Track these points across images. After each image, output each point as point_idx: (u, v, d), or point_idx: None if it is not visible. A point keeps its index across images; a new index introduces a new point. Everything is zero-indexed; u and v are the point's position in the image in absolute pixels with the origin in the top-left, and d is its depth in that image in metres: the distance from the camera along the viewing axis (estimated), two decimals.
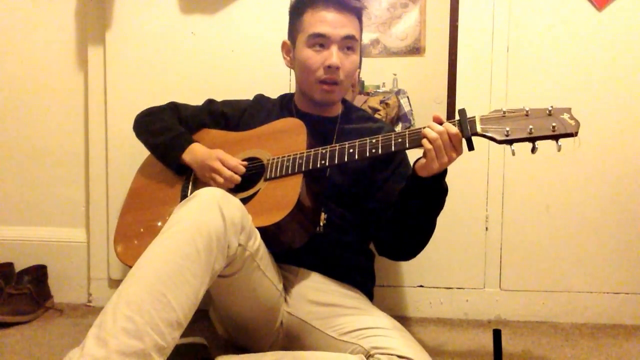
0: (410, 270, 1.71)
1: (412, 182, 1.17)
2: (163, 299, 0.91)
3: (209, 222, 1.00)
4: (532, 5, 1.62)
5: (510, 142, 1.05)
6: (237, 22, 1.69)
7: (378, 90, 1.67)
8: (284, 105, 1.45)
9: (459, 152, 1.10)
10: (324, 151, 1.21)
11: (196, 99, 1.54)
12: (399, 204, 1.22)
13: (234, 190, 1.27)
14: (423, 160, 1.12)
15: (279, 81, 1.65)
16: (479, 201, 1.67)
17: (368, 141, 1.18)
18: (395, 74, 1.67)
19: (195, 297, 0.96)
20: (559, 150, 1.02)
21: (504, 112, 1.08)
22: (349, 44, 1.30)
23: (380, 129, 1.38)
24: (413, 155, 1.22)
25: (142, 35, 1.71)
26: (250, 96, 1.52)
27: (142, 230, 1.33)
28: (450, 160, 1.10)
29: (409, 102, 1.66)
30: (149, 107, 1.51)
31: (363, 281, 1.38)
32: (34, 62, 1.79)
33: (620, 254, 1.65)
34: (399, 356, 1.06)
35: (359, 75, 1.63)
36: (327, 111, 1.40)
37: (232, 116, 1.46)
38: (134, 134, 1.49)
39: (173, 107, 1.51)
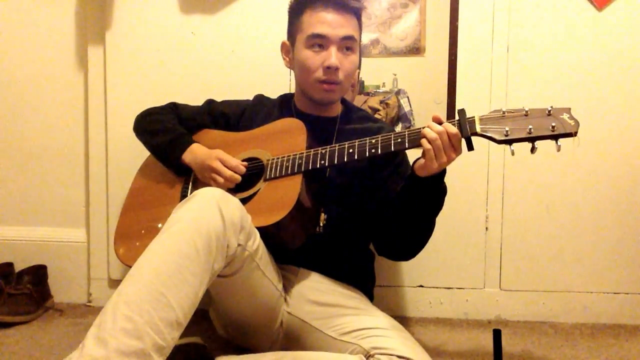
0: (410, 270, 1.71)
1: (411, 182, 1.17)
2: (162, 298, 0.91)
3: (208, 222, 1.00)
4: (532, 5, 1.62)
5: (509, 142, 1.05)
6: (237, 22, 1.69)
7: (378, 90, 1.67)
8: (284, 106, 1.45)
9: (458, 152, 1.10)
10: (323, 151, 1.21)
11: (196, 99, 1.54)
12: (398, 204, 1.22)
13: (234, 190, 1.27)
14: (422, 160, 1.12)
15: (279, 81, 1.65)
16: (479, 201, 1.67)
17: (367, 141, 1.18)
18: (395, 74, 1.67)
19: (194, 297, 0.96)
20: (558, 150, 1.02)
21: (504, 112, 1.08)
22: (348, 44, 1.30)
23: (380, 129, 1.38)
24: (413, 155, 1.22)
25: (142, 35, 1.71)
26: (250, 96, 1.52)
27: (142, 231, 1.33)
28: (450, 161, 1.10)
29: (409, 102, 1.66)
30: (149, 107, 1.51)
31: (363, 281, 1.38)
32: (34, 62, 1.79)
33: (620, 254, 1.65)
34: (398, 356, 1.06)
35: (358, 75, 1.63)
36: (327, 111, 1.40)
37: (232, 116, 1.46)
38: (134, 134, 1.49)
39: (173, 108, 1.51)
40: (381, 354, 1.07)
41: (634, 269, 1.65)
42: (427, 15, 1.65)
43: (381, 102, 1.66)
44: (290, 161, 1.24)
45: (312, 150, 1.23)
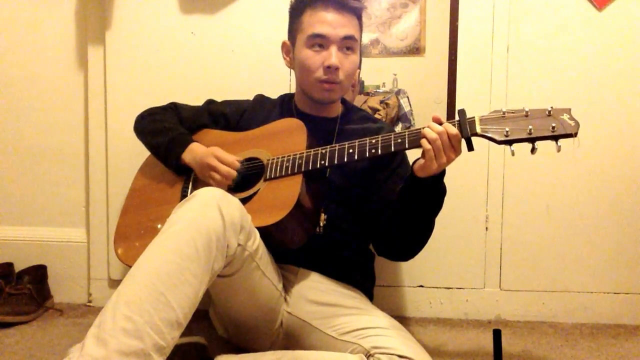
0: (410, 270, 1.71)
1: (410, 183, 1.17)
2: (162, 298, 0.91)
3: (208, 222, 1.00)
4: (532, 6, 1.62)
5: (509, 142, 1.05)
6: (237, 22, 1.69)
7: (378, 90, 1.67)
8: (284, 106, 1.45)
9: (457, 152, 1.10)
10: (323, 151, 1.21)
11: (196, 99, 1.54)
12: (397, 204, 1.22)
13: (234, 190, 1.27)
14: (422, 161, 1.12)
15: (279, 81, 1.65)
16: (479, 201, 1.67)
17: (367, 141, 1.18)
18: (395, 74, 1.67)
19: (194, 297, 0.96)
20: (558, 150, 1.02)
21: (504, 113, 1.08)
22: (348, 44, 1.30)
23: (381, 129, 1.38)
24: (413, 155, 1.22)
25: (142, 35, 1.71)
26: (250, 96, 1.52)
27: (142, 231, 1.33)
28: (449, 161, 1.10)
29: (409, 102, 1.66)
30: (149, 107, 1.52)
31: (363, 281, 1.38)
32: (34, 62, 1.79)
33: (620, 254, 1.65)
34: (399, 356, 1.06)
35: (359, 75, 1.63)
36: (327, 111, 1.40)
37: (232, 116, 1.46)
38: (134, 134, 1.49)
39: (173, 108, 1.51)
40: (381, 353, 1.07)
41: (634, 269, 1.65)
42: (427, 15, 1.65)
43: (381, 102, 1.66)
44: (290, 161, 1.24)
45: (312, 150, 1.23)
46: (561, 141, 1.03)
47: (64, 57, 1.78)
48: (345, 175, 1.33)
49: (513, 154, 1.04)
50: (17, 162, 1.82)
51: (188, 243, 0.97)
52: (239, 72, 1.70)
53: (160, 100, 1.54)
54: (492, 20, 1.63)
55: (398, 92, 1.66)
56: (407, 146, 1.13)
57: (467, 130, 1.08)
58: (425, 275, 1.71)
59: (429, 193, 1.17)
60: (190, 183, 1.37)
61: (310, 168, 1.21)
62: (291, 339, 1.25)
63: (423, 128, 1.11)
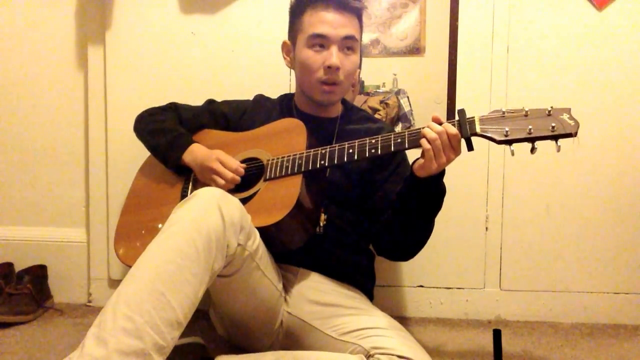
0: (410, 270, 1.71)
1: (410, 183, 1.17)
2: (162, 298, 0.91)
3: (208, 222, 1.00)
4: (532, 6, 1.62)
5: (509, 142, 1.05)
6: (237, 22, 1.69)
7: (378, 90, 1.67)
8: (284, 106, 1.46)
9: (457, 152, 1.10)
10: (323, 151, 1.21)
11: (196, 99, 1.54)
12: (397, 204, 1.22)
13: (234, 190, 1.27)
14: (421, 161, 1.12)
15: (279, 81, 1.65)
16: (479, 201, 1.67)
17: (367, 141, 1.18)
18: (395, 74, 1.67)
19: (194, 297, 0.96)
20: (558, 150, 1.02)
21: (504, 113, 1.08)
22: (348, 44, 1.30)
23: (381, 129, 1.38)
24: (413, 155, 1.22)
25: (142, 35, 1.71)
26: (250, 96, 1.52)
27: (142, 231, 1.33)
28: (449, 161, 1.10)
29: (409, 102, 1.66)
30: (149, 107, 1.51)
31: (363, 281, 1.38)
32: (34, 62, 1.79)
33: (620, 254, 1.65)
34: (398, 356, 1.06)
35: (359, 75, 1.63)
36: (327, 111, 1.40)
37: (232, 116, 1.47)
38: (134, 134, 1.49)
39: (173, 108, 1.51)
40: (381, 353, 1.07)
41: (634, 269, 1.65)
42: (427, 15, 1.65)
43: (381, 102, 1.66)
44: (290, 161, 1.24)
45: (312, 150, 1.23)
46: (561, 141, 1.03)
47: (64, 57, 1.78)
48: (345, 175, 1.33)
49: (513, 154, 1.04)
50: (17, 162, 1.82)
51: (188, 243, 0.97)
52: (239, 72, 1.70)
53: (160, 100, 1.54)
54: (492, 20, 1.63)
55: (398, 92, 1.66)
56: (406, 146, 1.14)
57: (466, 130, 1.08)
58: (425, 275, 1.71)
59: (429, 193, 1.17)
60: (191, 183, 1.37)
61: (310, 168, 1.21)
62: (291, 339, 1.24)
63: (423, 128, 1.11)
